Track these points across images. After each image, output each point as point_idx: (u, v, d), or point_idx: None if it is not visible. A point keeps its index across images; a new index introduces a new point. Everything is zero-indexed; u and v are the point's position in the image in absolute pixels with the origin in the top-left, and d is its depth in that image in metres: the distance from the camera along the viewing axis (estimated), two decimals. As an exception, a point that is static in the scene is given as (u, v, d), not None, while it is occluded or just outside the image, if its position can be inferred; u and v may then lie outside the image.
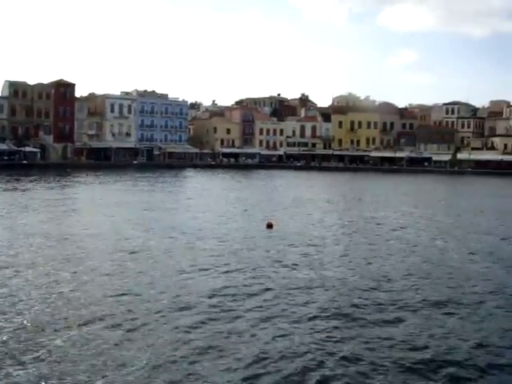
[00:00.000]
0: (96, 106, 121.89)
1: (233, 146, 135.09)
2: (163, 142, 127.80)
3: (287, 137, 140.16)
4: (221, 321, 15.32)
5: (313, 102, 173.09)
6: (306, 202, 51.59)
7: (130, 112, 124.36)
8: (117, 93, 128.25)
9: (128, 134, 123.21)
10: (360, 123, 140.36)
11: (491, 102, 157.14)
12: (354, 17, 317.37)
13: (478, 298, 18.20)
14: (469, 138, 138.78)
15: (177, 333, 14.28)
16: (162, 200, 49.92)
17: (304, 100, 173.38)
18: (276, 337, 14.15)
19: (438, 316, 16.26)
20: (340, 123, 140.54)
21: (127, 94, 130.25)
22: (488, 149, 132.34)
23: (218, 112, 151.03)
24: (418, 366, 12.62)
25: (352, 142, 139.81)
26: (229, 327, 14.78)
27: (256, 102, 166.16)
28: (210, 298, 17.48)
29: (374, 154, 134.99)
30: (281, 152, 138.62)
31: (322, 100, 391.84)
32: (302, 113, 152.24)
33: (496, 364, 12.90)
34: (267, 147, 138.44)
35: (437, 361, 12.96)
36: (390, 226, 36.05)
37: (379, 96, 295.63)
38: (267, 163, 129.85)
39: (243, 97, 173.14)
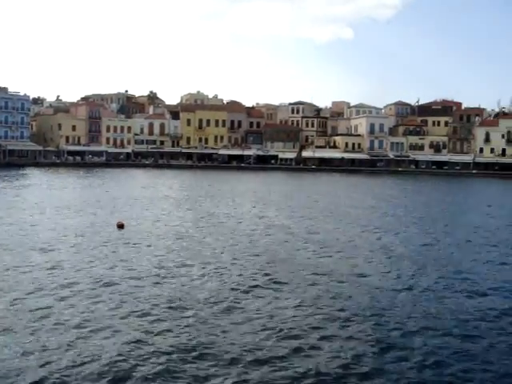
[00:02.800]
0: None
1: (78, 143, 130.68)
2: (3, 138, 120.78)
3: (135, 134, 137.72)
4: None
5: (161, 100, 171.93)
6: (157, 201, 51.10)
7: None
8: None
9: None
10: (208, 121, 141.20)
11: (333, 102, 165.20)
12: (206, 15, 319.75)
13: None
14: (313, 136, 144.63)
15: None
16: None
17: (152, 97, 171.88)
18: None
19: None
20: (188, 121, 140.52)
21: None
22: (331, 147, 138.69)
23: (62, 108, 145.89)
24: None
25: (200, 139, 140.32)
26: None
27: (103, 99, 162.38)
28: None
29: (222, 151, 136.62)
30: (129, 150, 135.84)
31: (171, 97, 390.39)
32: (151, 110, 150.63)
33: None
34: (115, 145, 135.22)
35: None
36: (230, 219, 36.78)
37: (227, 95, 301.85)
38: (115, 161, 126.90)
39: (89, 93, 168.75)
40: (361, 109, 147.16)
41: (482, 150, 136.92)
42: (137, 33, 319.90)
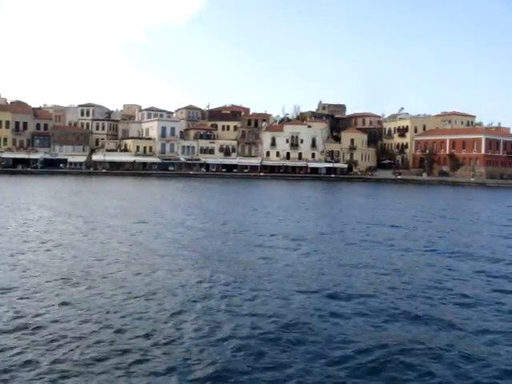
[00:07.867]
0: None
1: None
2: None
3: None
4: None
5: None
6: None
7: None
8: None
9: None
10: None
11: (125, 105, 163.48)
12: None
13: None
14: (103, 139, 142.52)
15: None
16: None
17: None
18: None
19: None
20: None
21: None
22: (122, 150, 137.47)
23: None
24: None
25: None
26: None
27: None
28: None
29: (5, 155, 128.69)
30: None
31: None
32: None
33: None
34: None
35: None
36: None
37: (11, 94, 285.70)
38: None
39: None
40: (152, 112, 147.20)
41: (268, 153, 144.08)
42: None
